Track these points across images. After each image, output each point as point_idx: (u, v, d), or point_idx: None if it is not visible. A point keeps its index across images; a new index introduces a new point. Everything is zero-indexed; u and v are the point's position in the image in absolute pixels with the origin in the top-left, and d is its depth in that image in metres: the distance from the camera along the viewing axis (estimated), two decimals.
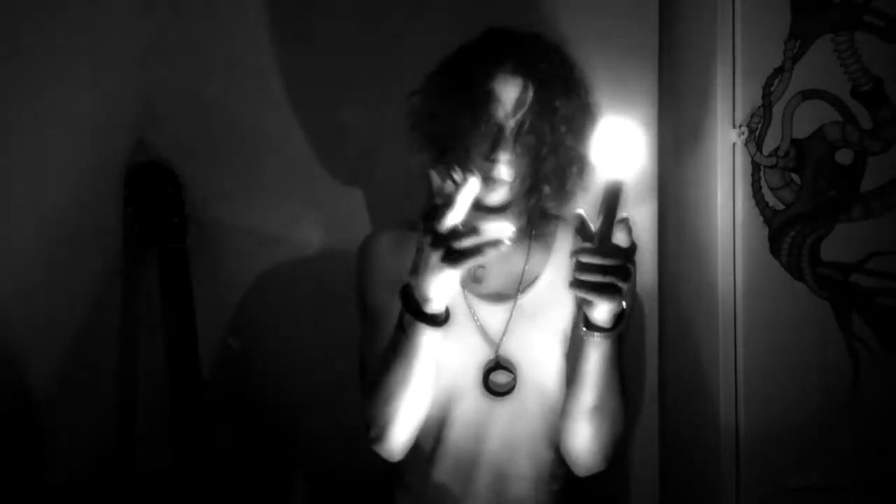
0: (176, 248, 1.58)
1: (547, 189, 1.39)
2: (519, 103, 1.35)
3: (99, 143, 1.62)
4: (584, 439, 1.37)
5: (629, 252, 1.20)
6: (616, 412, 1.35)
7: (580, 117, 1.39)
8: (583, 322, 1.26)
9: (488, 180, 1.35)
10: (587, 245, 1.19)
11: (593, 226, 1.19)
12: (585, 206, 1.25)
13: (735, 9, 1.47)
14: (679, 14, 1.69)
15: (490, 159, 1.34)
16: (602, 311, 1.23)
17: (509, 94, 1.35)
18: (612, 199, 1.16)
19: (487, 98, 1.35)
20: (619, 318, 1.25)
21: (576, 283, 1.20)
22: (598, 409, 1.33)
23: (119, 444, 1.63)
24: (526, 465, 1.42)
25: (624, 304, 1.23)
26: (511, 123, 1.35)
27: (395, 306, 1.30)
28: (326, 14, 1.71)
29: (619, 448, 1.40)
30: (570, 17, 1.70)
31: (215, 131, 1.69)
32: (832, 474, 1.46)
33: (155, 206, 1.58)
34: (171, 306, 1.55)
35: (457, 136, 1.36)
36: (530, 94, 1.35)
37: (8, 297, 1.55)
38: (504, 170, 1.35)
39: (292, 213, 1.72)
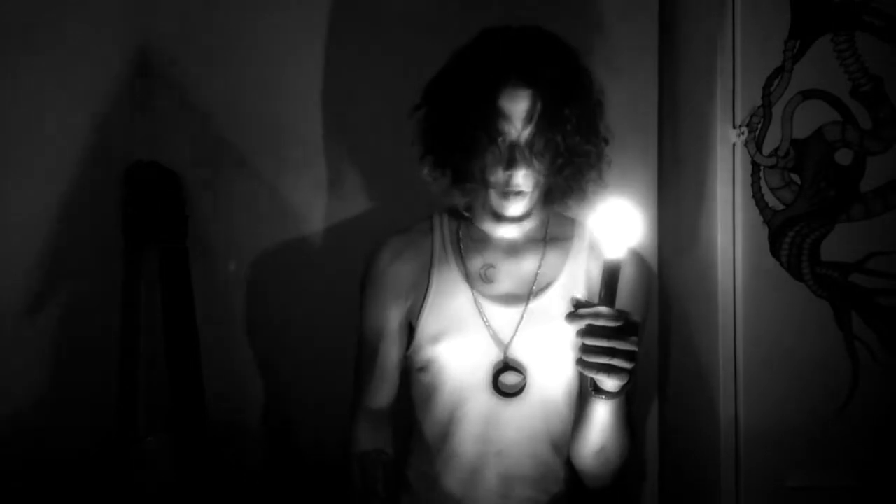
0: (176, 248, 1.58)
1: (566, 194, 1.39)
2: (528, 117, 1.32)
3: (99, 142, 1.62)
4: (591, 470, 1.40)
5: (633, 330, 1.19)
6: (621, 445, 1.37)
7: (590, 116, 1.37)
8: (591, 386, 1.25)
9: (507, 193, 1.35)
10: (591, 323, 1.18)
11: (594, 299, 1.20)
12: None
13: (735, 9, 1.46)
14: (679, 14, 1.69)
15: (507, 173, 1.33)
16: (610, 385, 1.23)
17: (517, 108, 1.32)
18: (612, 278, 1.18)
19: (495, 115, 1.31)
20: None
21: (582, 364, 1.19)
22: (604, 448, 1.36)
23: (119, 445, 1.62)
24: (530, 466, 1.42)
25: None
26: (522, 137, 1.32)
27: (396, 315, 1.42)
28: (334, 15, 1.71)
29: (624, 466, 1.41)
30: (569, 17, 1.70)
31: (215, 131, 1.69)
32: (832, 474, 1.46)
33: (155, 206, 1.58)
34: (171, 306, 1.55)
35: (470, 157, 1.34)
36: (539, 105, 1.31)
37: (8, 296, 1.55)
38: (522, 182, 1.35)
39: (292, 212, 1.72)
